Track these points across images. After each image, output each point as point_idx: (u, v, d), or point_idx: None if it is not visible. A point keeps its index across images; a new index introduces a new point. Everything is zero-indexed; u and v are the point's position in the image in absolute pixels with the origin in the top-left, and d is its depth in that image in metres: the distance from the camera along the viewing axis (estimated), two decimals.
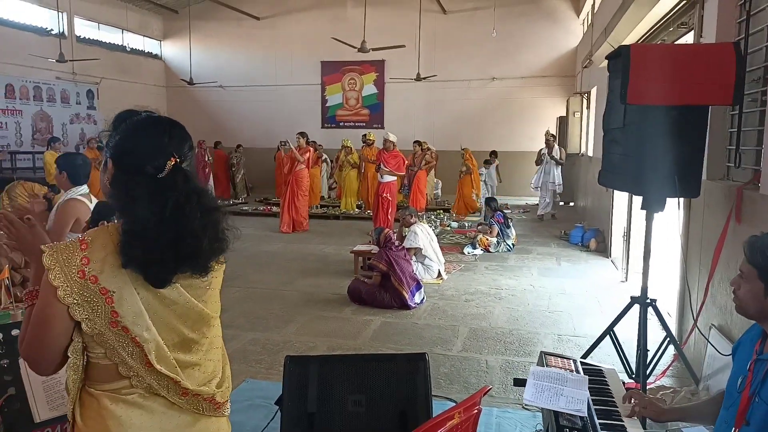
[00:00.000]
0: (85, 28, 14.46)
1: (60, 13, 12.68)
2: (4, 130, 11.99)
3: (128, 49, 16.01)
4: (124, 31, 15.79)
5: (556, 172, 11.13)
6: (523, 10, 14.57)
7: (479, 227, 9.17)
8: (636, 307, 3.34)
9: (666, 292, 4.63)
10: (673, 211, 3.71)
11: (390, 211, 9.49)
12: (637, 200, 3.77)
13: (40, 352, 1.30)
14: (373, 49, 11.33)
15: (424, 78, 13.54)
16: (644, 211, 3.26)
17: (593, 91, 10.33)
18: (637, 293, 3.37)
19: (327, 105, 16.39)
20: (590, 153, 10.15)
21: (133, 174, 1.30)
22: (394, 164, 9.46)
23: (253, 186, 15.40)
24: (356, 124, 16.12)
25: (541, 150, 11.35)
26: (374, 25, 12.31)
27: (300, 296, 5.98)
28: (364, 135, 12.37)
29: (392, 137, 9.69)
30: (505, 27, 14.16)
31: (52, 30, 12.85)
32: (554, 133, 11.52)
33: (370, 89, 16.07)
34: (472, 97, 15.16)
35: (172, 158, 1.31)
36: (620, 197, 6.93)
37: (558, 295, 5.98)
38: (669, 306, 4.47)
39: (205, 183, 9.19)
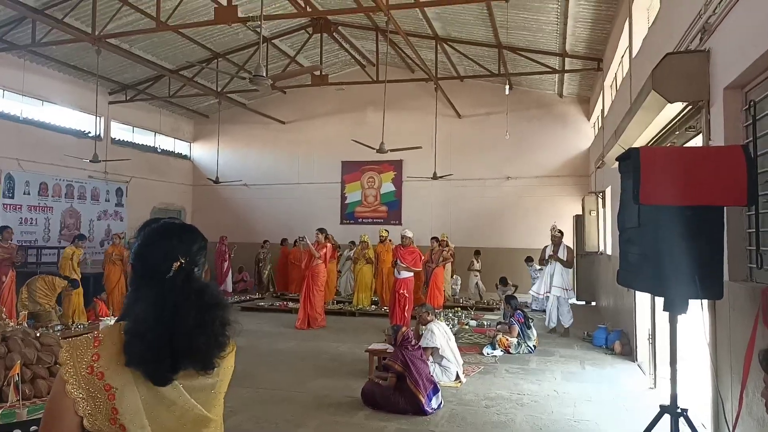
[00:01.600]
0: (120, 131, 15.37)
1: (98, 118, 13.55)
2: (34, 225, 12.41)
3: (159, 150, 16.86)
4: (157, 133, 16.72)
5: (565, 276, 9.45)
6: (534, 114, 15.18)
7: (498, 326, 8.93)
8: (667, 417, 3.13)
9: (699, 400, 4.35)
10: (697, 313, 3.58)
11: (407, 308, 9.37)
12: (660, 301, 3.67)
13: None
14: (391, 150, 11.74)
15: (441, 177, 13.90)
16: (667, 313, 3.16)
17: (608, 191, 10.44)
18: (667, 401, 3.17)
19: (346, 202, 16.78)
20: (609, 251, 10.05)
21: (144, 277, 1.43)
22: (410, 260, 9.49)
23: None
24: (374, 220, 16.38)
25: (545, 247, 9.82)
26: (393, 128, 12.87)
27: (312, 399, 5.75)
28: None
29: (409, 233, 9.80)
30: (518, 129, 14.69)
31: (89, 133, 13.67)
32: (561, 229, 9.88)
33: (388, 187, 16.50)
34: (488, 195, 15.43)
35: (177, 261, 1.41)
36: (642, 297, 6.74)
37: (583, 402, 5.66)
38: (703, 416, 4.19)
39: (222, 277, 9.32)
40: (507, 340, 7.97)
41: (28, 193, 12.30)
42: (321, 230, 10.76)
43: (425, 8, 10.69)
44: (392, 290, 9.85)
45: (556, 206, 14.76)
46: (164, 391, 1.35)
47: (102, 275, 11.22)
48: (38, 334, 5.71)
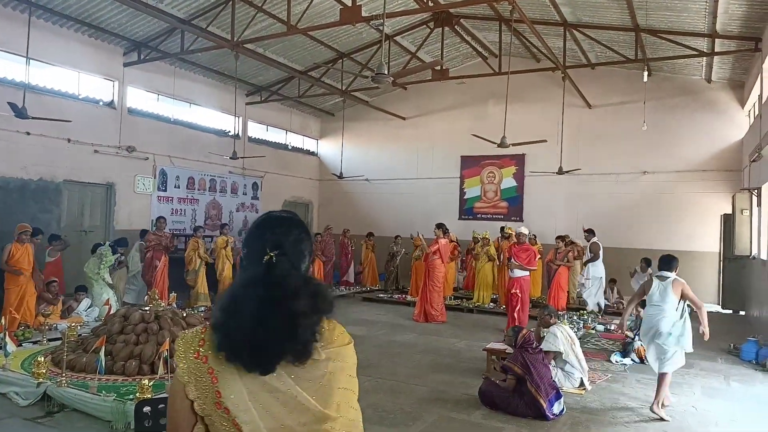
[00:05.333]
0: (255, 130, 16.56)
1: (237, 118, 14.72)
2: (183, 216, 13.84)
3: (290, 147, 17.91)
4: (288, 131, 17.79)
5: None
6: (677, 103, 13.80)
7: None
8: None
9: None
10: None
11: (518, 308, 8.99)
12: None
13: (170, 427, 1.42)
14: (513, 145, 11.37)
15: (567, 172, 13.20)
16: None
17: (765, 188, 9.23)
18: None
19: (465, 197, 16.59)
20: (763, 256, 8.90)
21: (244, 268, 1.47)
22: (525, 258, 9.11)
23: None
24: (494, 216, 16.01)
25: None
26: (515, 121, 12.46)
27: (429, 392, 5.79)
28: (502, 228, 12.24)
29: (525, 230, 9.56)
30: (657, 119, 13.46)
31: (229, 131, 14.91)
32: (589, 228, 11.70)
33: (509, 182, 16.02)
34: (621, 191, 14.34)
35: (268, 254, 1.40)
36: None
37: (727, 422, 5.09)
38: None
39: (345, 268, 9.50)
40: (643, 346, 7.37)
41: (179, 187, 13.72)
42: (439, 225, 10.72)
43: None
44: (506, 289, 9.57)
45: (701, 204, 13.35)
46: (265, 378, 1.34)
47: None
48: (185, 314, 6.36)
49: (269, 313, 1.32)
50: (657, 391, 5.27)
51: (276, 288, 1.35)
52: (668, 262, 5.43)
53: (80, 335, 6.72)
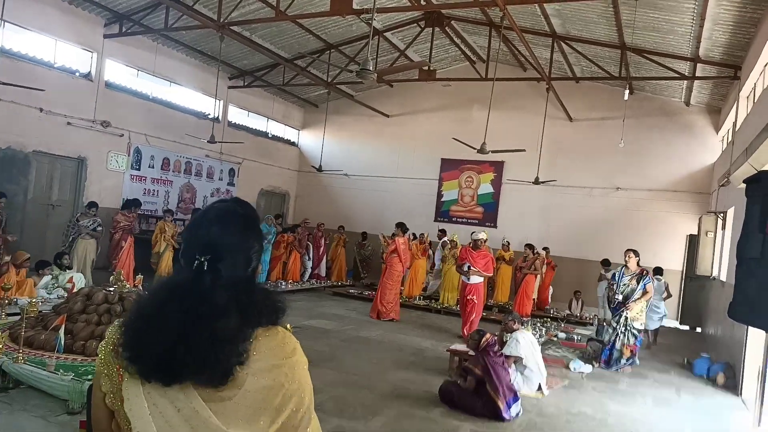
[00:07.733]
0: (236, 115, 16.36)
1: (217, 101, 14.51)
2: (155, 197, 13.59)
3: (270, 136, 17.74)
4: (269, 119, 17.62)
5: None
6: (655, 123, 14.12)
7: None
8: None
9: None
10: None
11: (474, 315, 8.88)
12: None
13: (91, 421, 1.32)
14: (493, 151, 11.47)
15: (543, 182, 13.38)
16: None
17: (730, 212, 9.51)
18: None
19: (442, 200, 16.69)
20: (723, 277, 9.17)
21: (178, 268, 1.30)
22: (482, 264, 8.93)
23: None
24: (469, 220, 16.15)
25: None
26: (497, 128, 12.57)
27: (391, 388, 5.82)
28: (473, 233, 12.32)
29: (482, 235, 9.17)
30: (635, 138, 13.72)
31: (209, 114, 14.69)
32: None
33: (486, 188, 16.17)
34: (593, 205, 14.62)
35: (197, 259, 1.24)
36: (757, 331, 6.09)
37: None
38: None
39: (317, 262, 9.37)
40: (630, 348, 7.67)
41: (153, 167, 13.48)
42: (398, 225, 10.56)
43: (545, 4, 10.27)
44: (461, 295, 9.27)
45: (668, 223, 13.68)
46: (168, 388, 1.19)
47: None
48: None
49: (193, 331, 1.17)
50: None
51: (202, 303, 1.19)
52: (660, 271, 10.15)
53: (41, 312, 6.54)
